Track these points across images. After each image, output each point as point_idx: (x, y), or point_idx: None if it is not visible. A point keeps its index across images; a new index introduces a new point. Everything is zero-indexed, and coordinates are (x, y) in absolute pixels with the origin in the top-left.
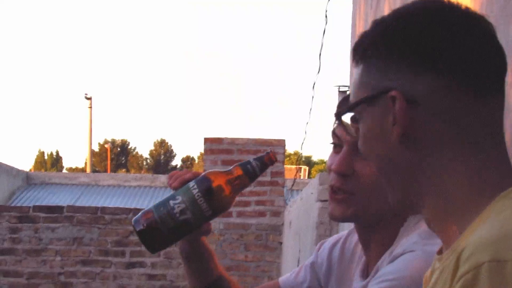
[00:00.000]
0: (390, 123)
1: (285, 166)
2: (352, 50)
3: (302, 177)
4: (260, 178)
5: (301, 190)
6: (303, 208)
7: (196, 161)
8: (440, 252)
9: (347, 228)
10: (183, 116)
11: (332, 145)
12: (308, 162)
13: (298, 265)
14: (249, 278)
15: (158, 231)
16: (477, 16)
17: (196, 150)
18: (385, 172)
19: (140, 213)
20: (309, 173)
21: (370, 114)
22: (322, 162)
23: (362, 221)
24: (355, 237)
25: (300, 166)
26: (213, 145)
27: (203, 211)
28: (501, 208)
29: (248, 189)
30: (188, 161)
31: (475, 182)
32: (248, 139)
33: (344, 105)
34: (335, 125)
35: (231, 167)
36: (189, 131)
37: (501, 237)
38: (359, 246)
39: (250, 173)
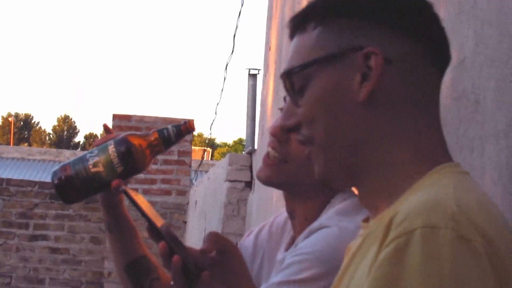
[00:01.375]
0: (357, 82)
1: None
2: (303, 15)
3: (205, 159)
4: (167, 157)
5: (206, 172)
6: (210, 188)
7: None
8: (366, 221)
9: (255, 210)
10: (88, 93)
11: (280, 110)
12: (211, 144)
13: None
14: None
15: (72, 183)
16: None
17: (99, 127)
18: (333, 138)
19: (59, 166)
20: (212, 155)
21: (330, 73)
22: (225, 145)
23: (287, 189)
24: (282, 216)
25: (204, 148)
26: (122, 122)
27: (114, 166)
28: (434, 181)
29: (154, 167)
30: (91, 138)
31: (417, 157)
32: (157, 117)
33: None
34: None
35: (150, 131)
36: (92, 108)
37: (434, 204)
38: (288, 224)
39: (166, 139)
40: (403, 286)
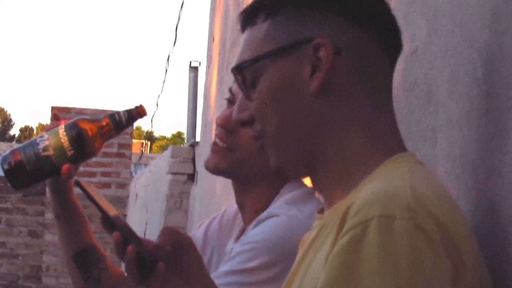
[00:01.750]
0: (307, 74)
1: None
2: (253, 8)
3: (144, 152)
4: (106, 149)
5: (145, 164)
6: (152, 181)
7: (35, 132)
8: (320, 212)
9: (198, 203)
10: (24, 85)
11: (226, 101)
12: (149, 137)
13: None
14: None
15: (22, 168)
16: None
17: (35, 120)
18: (286, 131)
19: (8, 151)
20: (150, 148)
21: (280, 66)
22: (164, 138)
23: (234, 177)
24: (233, 208)
25: (142, 141)
26: (61, 114)
27: (65, 150)
28: (389, 170)
29: (94, 159)
30: (26, 131)
31: (371, 146)
32: (97, 110)
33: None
34: (234, 82)
35: (101, 116)
36: (28, 101)
37: (390, 194)
38: (239, 216)
39: (117, 123)
40: (359, 276)
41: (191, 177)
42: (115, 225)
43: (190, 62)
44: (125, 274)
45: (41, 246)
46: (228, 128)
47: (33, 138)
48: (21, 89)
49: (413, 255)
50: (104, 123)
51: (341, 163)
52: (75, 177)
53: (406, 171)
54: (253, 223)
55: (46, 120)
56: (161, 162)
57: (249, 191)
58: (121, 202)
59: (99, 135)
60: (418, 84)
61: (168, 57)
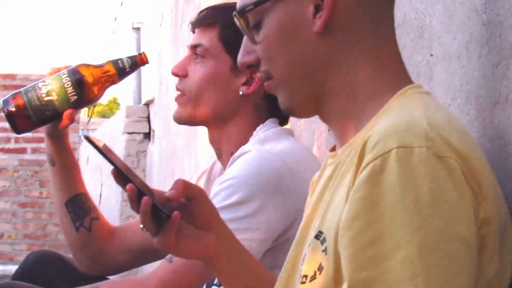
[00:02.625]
0: (311, 14)
1: None
2: None
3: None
4: None
5: (88, 130)
6: (105, 142)
7: None
8: (333, 150)
9: (156, 161)
10: None
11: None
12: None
13: (100, 200)
14: (44, 215)
15: (24, 112)
16: None
17: None
18: (293, 71)
19: (9, 94)
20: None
21: (284, 7)
22: (100, 104)
23: (195, 123)
24: (220, 163)
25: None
26: (6, 81)
27: (68, 95)
28: (402, 102)
29: None
30: None
31: (379, 79)
32: (43, 75)
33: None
34: (190, 37)
35: (104, 62)
36: None
37: (406, 126)
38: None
39: (120, 70)
40: (382, 208)
41: (147, 135)
42: (127, 177)
43: (132, 23)
44: (140, 226)
45: None
46: (178, 75)
47: (33, 83)
48: None
49: (433, 184)
50: (106, 69)
51: (351, 98)
52: (84, 133)
53: (418, 102)
54: (229, 164)
55: None
56: (115, 123)
57: (222, 137)
58: None
59: (102, 81)
60: (407, 19)
61: (116, 18)
